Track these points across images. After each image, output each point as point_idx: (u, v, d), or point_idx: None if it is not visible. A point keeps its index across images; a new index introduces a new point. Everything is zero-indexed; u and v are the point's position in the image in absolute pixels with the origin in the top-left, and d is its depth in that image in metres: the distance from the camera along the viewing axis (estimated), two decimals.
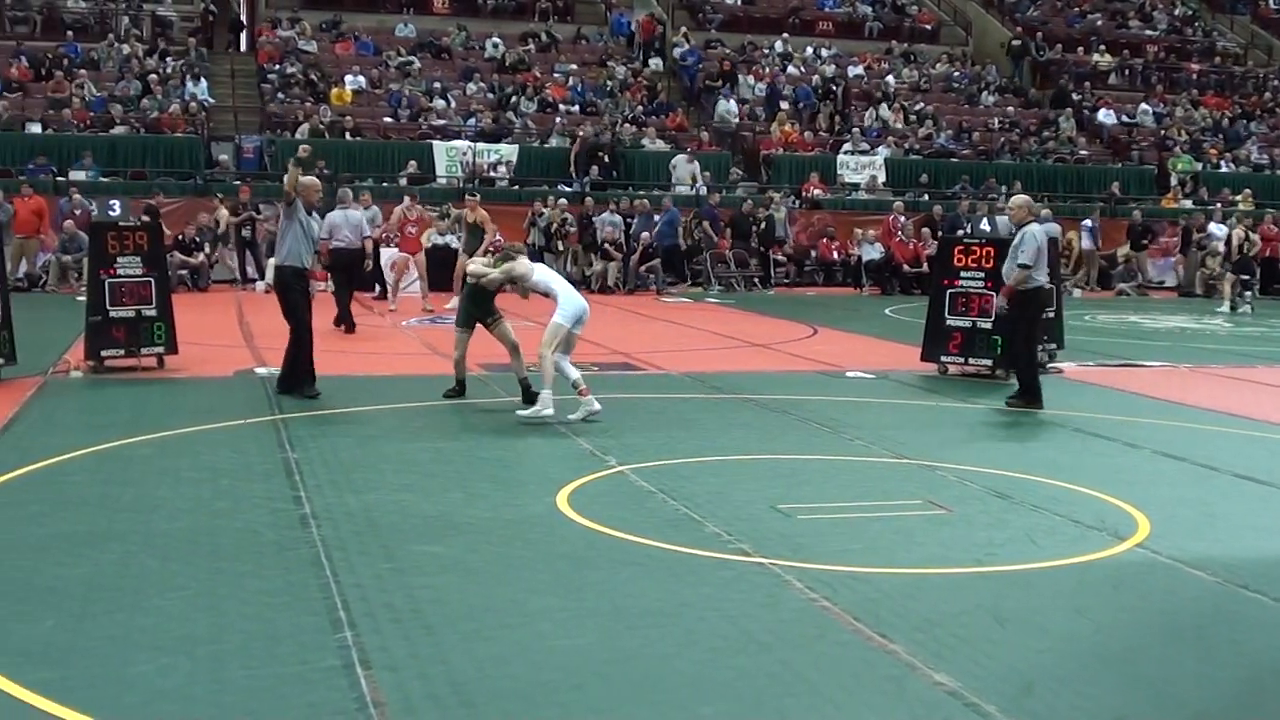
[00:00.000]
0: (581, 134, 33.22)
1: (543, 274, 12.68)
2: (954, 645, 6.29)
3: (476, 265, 13.49)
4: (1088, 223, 32.41)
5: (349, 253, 19.53)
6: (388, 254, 23.83)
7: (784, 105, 37.33)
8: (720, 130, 36.36)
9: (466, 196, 23.97)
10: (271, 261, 13.65)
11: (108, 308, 14.88)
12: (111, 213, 15.57)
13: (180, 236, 26.11)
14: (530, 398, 12.64)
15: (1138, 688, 5.95)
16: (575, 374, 12.43)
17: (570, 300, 12.30)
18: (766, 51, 40.70)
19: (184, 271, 25.43)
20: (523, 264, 12.70)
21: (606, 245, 28.55)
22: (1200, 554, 8.02)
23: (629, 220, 29.08)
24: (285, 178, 13.55)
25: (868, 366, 15.81)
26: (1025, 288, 13.74)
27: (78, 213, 25.19)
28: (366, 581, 7.10)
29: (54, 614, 6.51)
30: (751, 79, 38.33)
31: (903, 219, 30.59)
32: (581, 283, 28.40)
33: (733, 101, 36.98)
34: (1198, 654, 6.40)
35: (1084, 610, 6.95)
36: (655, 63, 39.26)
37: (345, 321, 19.22)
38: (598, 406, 12.21)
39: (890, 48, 42.57)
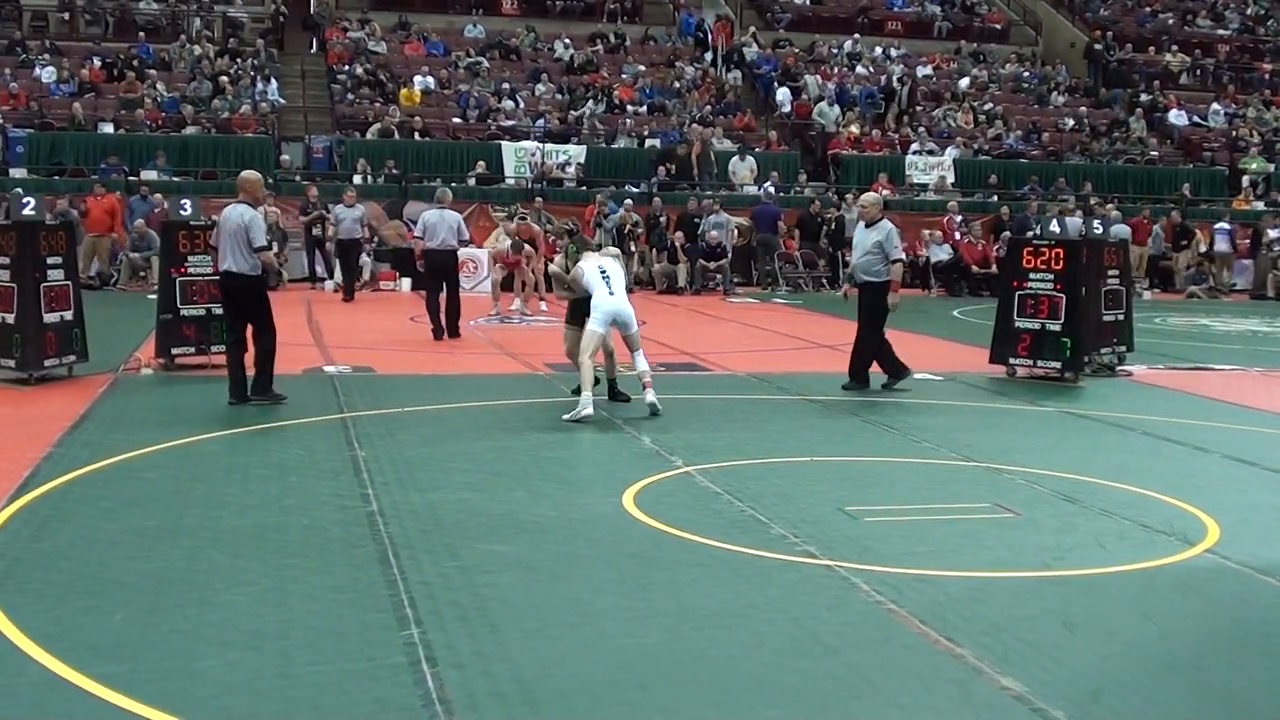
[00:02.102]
0: (695, 139, 33.28)
1: (590, 275, 12.78)
2: (1021, 649, 6.24)
3: (556, 267, 14.04)
4: (1224, 225, 32.15)
5: (443, 254, 19.01)
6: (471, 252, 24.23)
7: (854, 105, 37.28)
8: (822, 133, 36.20)
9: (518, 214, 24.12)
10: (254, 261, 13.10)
11: (178, 306, 15.04)
12: (182, 212, 15.76)
13: None
14: (615, 394, 13.14)
15: (1206, 695, 5.88)
16: (643, 365, 12.67)
17: (599, 305, 12.47)
18: (835, 51, 40.57)
19: None
20: (582, 262, 13.06)
21: (677, 246, 28.50)
22: (1271, 560, 7.91)
23: (696, 220, 28.98)
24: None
25: (935, 368, 15.71)
26: (880, 280, 14.33)
27: (156, 210, 25.32)
28: (432, 579, 7.13)
29: (123, 608, 6.58)
30: (819, 78, 38.18)
31: (959, 219, 30.40)
32: (648, 282, 28.48)
33: (825, 103, 36.82)
34: (1267, 661, 6.31)
35: (1152, 616, 6.87)
36: (734, 75, 39.10)
37: (435, 324, 18.72)
38: (653, 398, 12.49)
39: (959, 47, 42.37)
